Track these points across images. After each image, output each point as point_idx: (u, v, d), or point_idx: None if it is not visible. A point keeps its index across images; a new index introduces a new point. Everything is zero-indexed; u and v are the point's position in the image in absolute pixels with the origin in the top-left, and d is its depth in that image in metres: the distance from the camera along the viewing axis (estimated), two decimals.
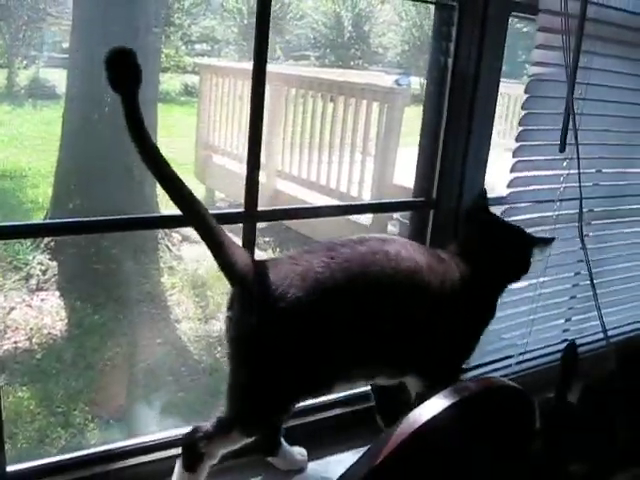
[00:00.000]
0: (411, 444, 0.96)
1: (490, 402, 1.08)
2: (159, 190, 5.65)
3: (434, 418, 0.98)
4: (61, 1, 10.24)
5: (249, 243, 1.46)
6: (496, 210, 1.62)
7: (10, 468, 1.30)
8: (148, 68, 5.30)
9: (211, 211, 1.18)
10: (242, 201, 1.43)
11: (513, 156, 1.71)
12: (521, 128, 1.69)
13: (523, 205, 1.81)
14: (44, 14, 10.24)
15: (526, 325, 1.90)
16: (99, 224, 1.41)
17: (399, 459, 0.96)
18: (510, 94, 8.54)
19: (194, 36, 13.11)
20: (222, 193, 7.07)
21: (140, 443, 1.46)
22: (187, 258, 5.53)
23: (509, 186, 1.73)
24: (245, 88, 6.62)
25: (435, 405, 1.00)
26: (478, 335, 1.47)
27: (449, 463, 1.04)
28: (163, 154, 1.10)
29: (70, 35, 5.51)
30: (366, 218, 5.19)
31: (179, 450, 1.27)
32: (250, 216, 1.45)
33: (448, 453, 1.03)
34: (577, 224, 1.76)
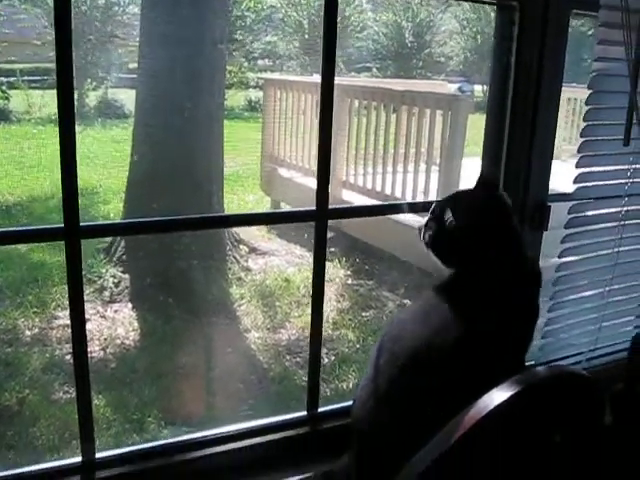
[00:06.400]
0: (480, 429, 0.98)
1: (559, 389, 1.08)
2: (226, 203, 5.77)
3: (503, 403, 0.99)
4: (127, 23, 10.55)
5: (321, 241, 1.50)
6: (563, 206, 1.62)
7: (98, 455, 1.41)
8: (214, 85, 5.41)
9: (284, 210, 1.23)
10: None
11: (578, 151, 1.71)
12: (585, 124, 1.69)
13: (590, 201, 1.80)
14: (111, 36, 10.55)
15: (594, 322, 1.89)
16: (170, 223, 1.49)
17: (468, 443, 0.98)
18: (578, 98, 8.31)
19: (256, 52, 13.29)
20: (288, 205, 7.13)
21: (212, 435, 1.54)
22: (255, 269, 5.62)
23: (575, 182, 1.73)
24: (308, 101, 6.69)
25: (504, 390, 1.01)
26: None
27: (516, 448, 1.05)
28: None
29: (138, 55, 5.67)
30: None
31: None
32: (322, 213, 1.50)
33: (516, 438, 1.03)
34: None
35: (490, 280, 1.38)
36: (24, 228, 1.32)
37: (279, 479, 1.37)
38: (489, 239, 1.39)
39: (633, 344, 1.43)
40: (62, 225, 1.28)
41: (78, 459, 1.38)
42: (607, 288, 1.86)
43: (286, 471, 1.41)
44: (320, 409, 1.62)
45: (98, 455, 1.39)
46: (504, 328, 1.35)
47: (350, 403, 1.47)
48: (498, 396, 1.01)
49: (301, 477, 1.37)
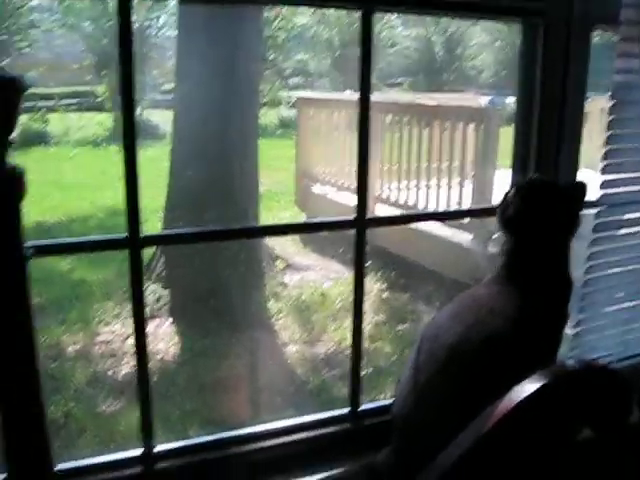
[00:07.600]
0: (511, 420, 1.02)
1: (587, 382, 1.10)
2: (262, 221, 5.86)
3: (533, 394, 1.02)
4: (160, 45, 10.75)
5: (360, 249, 1.57)
6: (588, 213, 1.67)
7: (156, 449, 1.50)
8: (249, 104, 5.51)
9: (322, 219, 1.30)
10: None
11: (603, 159, 1.77)
12: (609, 132, 1.75)
13: (616, 207, 1.84)
14: (146, 58, 10.75)
15: (625, 324, 1.94)
16: (219, 233, 1.66)
17: (499, 434, 1.02)
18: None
19: (288, 70, 13.41)
20: None
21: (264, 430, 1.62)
22: (291, 285, 5.69)
23: (601, 188, 1.79)
24: (341, 118, 6.77)
25: (535, 381, 1.04)
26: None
27: (546, 440, 1.09)
28: None
29: (174, 77, 5.80)
30: (466, 241, 5.17)
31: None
32: (361, 222, 1.56)
33: (546, 430, 1.07)
34: None
35: (528, 277, 1.45)
36: (89, 238, 1.41)
37: (323, 471, 1.44)
38: (536, 236, 1.47)
39: None
40: (125, 235, 1.38)
41: (139, 451, 1.46)
42: (637, 291, 1.91)
43: (330, 464, 1.48)
44: (362, 407, 1.69)
45: (156, 449, 1.47)
46: (538, 326, 1.42)
47: (391, 401, 1.54)
48: (528, 387, 1.05)
49: (344, 469, 1.44)
